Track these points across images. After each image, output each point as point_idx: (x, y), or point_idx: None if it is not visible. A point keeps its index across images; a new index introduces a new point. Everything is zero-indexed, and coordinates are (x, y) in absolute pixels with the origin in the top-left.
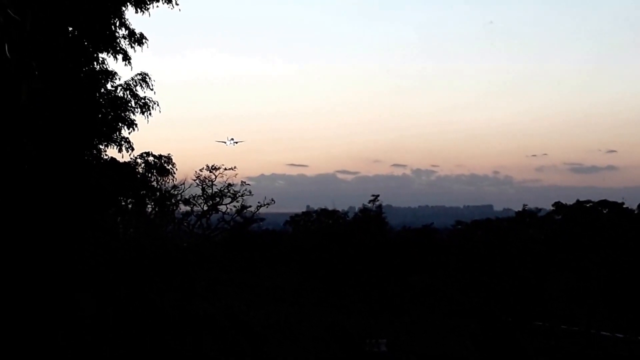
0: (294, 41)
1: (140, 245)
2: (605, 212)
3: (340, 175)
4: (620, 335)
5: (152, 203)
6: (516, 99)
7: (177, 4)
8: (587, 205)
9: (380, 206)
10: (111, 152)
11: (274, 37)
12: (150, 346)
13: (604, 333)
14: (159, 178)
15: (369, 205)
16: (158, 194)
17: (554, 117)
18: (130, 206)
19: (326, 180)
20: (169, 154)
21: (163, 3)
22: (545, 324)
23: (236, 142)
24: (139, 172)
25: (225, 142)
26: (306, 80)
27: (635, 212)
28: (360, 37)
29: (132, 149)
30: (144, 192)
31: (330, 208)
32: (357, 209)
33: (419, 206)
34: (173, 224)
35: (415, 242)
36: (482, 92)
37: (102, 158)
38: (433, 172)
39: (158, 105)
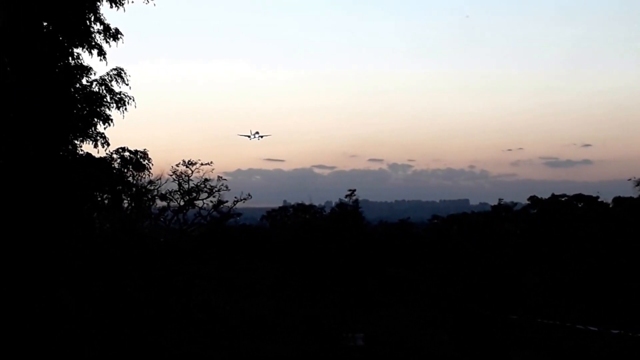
0: (270, 39)
1: (117, 240)
2: (580, 206)
3: (317, 170)
4: (594, 329)
5: (129, 198)
6: (492, 94)
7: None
8: (562, 199)
9: (356, 201)
10: (87, 147)
11: (251, 36)
12: (129, 340)
13: (580, 326)
14: (135, 173)
15: (346, 200)
16: (134, 189)
17: (529, 112)
18: (106, 202)
19: (303, 175)
20: (144, 149)
21: None
22: (522, 317)
23: (262, 136)
24: (114, 168)
25: (249, 137)
26: (283, 77)
27: (610, 206)
28: (337, 35)
29: (108, 145)
30: (120, 187)
31: (306, 203)
32: (333, 204)
33: (396, 201)
34: (150, 220)
35: (392, 236)
36: (458, 87)
37: (78, 153)
38: (409, 166)
39: (133, 100)
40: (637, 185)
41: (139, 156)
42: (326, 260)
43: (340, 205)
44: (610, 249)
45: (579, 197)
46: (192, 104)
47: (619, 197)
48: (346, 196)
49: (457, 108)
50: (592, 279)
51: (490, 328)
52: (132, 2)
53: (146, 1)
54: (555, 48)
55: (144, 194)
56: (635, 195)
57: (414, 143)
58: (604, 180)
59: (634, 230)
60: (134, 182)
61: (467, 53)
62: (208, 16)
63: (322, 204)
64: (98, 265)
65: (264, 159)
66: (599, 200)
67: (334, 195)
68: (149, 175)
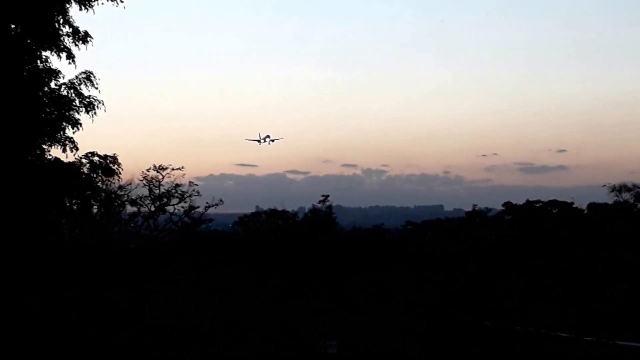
0: (242, 43)
1: (86, 246)
2: (555, 212)
3: (290, 176)
4: (567, 335)
5: (98, 204)
6: (466, 99)
7: (121, 1)
8: (537, 205)
9: (330, 206)
10: (55, 152)
11: (223, 40)
12: (99, 346)
13: (555, 333)
14: (105, 178)
15: (319, 205)
16: (104, 194)
17: (504, 117)
18: (75, 207)
19: (276, 181)
20: (114, 154)
21: (107, 0)
22: (497, 324)
23: (272, 140)
24: (83, 173)
25: (258, 141)
26: (255, 79)
27: (585, 211)
28: (310, 36)
29: (77, 149)
30: (89, 192)
31: (279, 208)
32: (307, 210)
33: (370, 206)
34: (120, 225)
35: (366, 241)
36: (432, 91)
37: (46, 158)
38: (383, 172)
39: (103, 104)
40: (612, 191)
41: (108, 161)
42: (299, 266)
43: (314, 210)
44: (585, 255)
45: (554, 202)
46: (163, 108)
47: (594, 202)
48: (319, 202)
49: (432, 113)
50: (568, 285)
51: (465, 335)
52: (102, 3)
53: (116, 3)
54: (530, 53)
55: (114, 199)
56: (610, 201)
57: (388, 148)
58: (578, 186)
59: (608, 236)
60: (104, 187)
61: (441, 58)
62: (179, 20)
63: (296, 209)
64: (68, 271)
65: (237, 164)
66: (574, 206)
67: (307, 201)
68: (118, 181)
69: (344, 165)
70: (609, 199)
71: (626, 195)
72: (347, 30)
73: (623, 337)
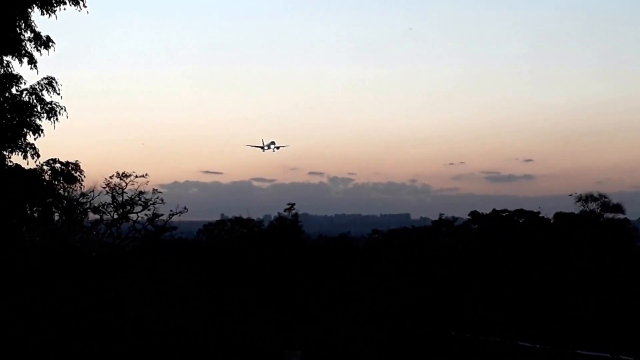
0: (207, 49)
1: (47, 254)
2: (521, 221)
3: (255, 183)
4: (530, 345)
5: (60, 211)
6: (433, 107)
7: (85, 6)
8: (503, 214)
9: (296, 214)
10: (16, 158)
11: (186, 45)
12: (55, 356)
13: (521, 343)
14: (67, 185)
15: (285, 213)
16: (65, 202)
17: (471, 126)
18: (36, 215)
19: (241, 188)
20: (76, 161)
21: (70, 5)
22: (462, 334)
23: (278, 147)
24: (45, 180)
25: (262, 147)
26: (220, 85)
27: (552, 221)
28: (277, 44)
29: (38, 156)
30: (51, 200)
31: (245, 216)
32: (272, 218)
33: (336, 215)
34: (82, 233)
35: (332, 250)
36: (399, 100)
37: (6, 165)
38: (350, 180)
39: (65, 110)
40: (578, 201)
41: (70, 168)
42: (265, 275)
43: (280, 219)
44: (551, 264)
45: (520, 212)
46: (127, 115)
47: (560, 212)
48: (285, 210)
49: (399, 121)
50: (533, 294)
51: (430, 345)
52: (64, 9)
53: (79, 8)
54: (497, 62)
55: (76, 206)
56: (576, 211)
57: (355, 156)
58: (545, 196)
59: (574, 246)
60: (65, 194)
61: (408, 66)
62: (142, 27)
63: (261, 217)
64: (28, 279)
65: (202, 172)
66: (540, 215)
67: (273, 209)
68: (81, 188)
69: (311, 173)
70: (576, 208)
71: (592, 205)
72: (313, 38)
73: (586, 347)
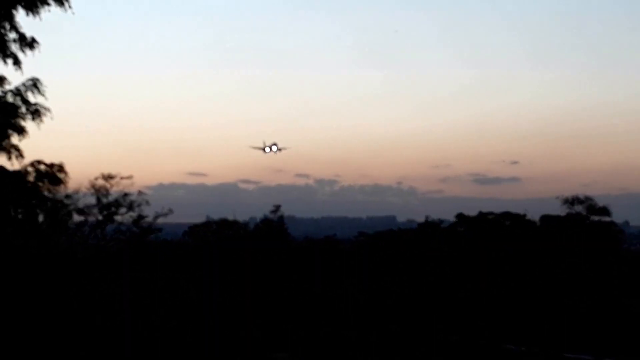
0: (193, 51)
1: (31, 256)
2: (507, 224)
3: (241, 185)
4: (515, 348)
5: (44, 213)
6: (420, 109)
7: (70, 7)
8: (490, 217)
9: (282, 217)
10: (0, 160)
11: (171, 47)
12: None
13: (508, 346)
14: (51, 187)
15: (271, 215)
16: (50, 203)
17: (458, 128)
18: (20, 216)
19: (227, 190)
20: (61, 162)
21: (56, 6)
22: (449, 336)
23: (279, 149)
24: (29, 181)
25: (263, 149)
26: (206, 86)
27: (538, 224)
28: (265, 46)
29: (22, 157)
30: (35, 201)
31: (230, 218)
32: (258, 220)
33: (322, 217)
34: (66, 235)
35: (319, 252)
36: (385, 101)
37: None
38: (336, 182)
39: (50, 111)
40: (565, 203)
41: (55, 169)
42: (250, 277)
43: (265, 221)
44: (537, 268)
45: (507, 214)
46: (112, 116)
47: (547, 215)
48: (271, 212)
49: (385, 123)
50: (520, 297)
51: (417, 347)
52: (49, 10)
53: (64, 9)
54: (483, 64)
55: (60, 208)
56: (562, 214)
57: (341, 159)
58: (531, 198)
59: (561, 249)
60: (50, 196)
61: (395, 68)
62: (127, 28)
63: (247, 219)
64: (12, 281)
65: (187, 173)
66: (527, 218)
67: (258, 211)
68: (65, 189)
69: (297, 175)
70: (562, 211)
71: (579, 208)
72: (301, 40)
73: (573, 350)
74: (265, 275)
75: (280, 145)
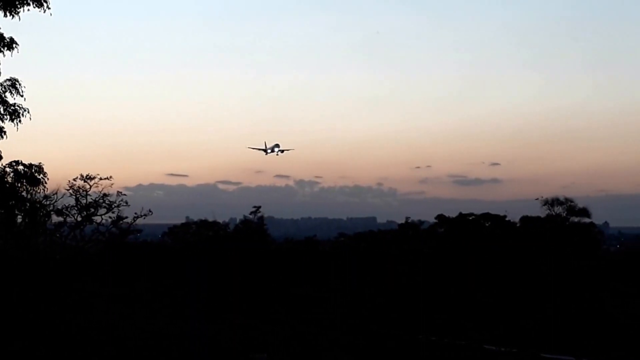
0: (170, 51)
1: (10, 256)
2: (487, 225)
3: (221, 186)
4: (494, 348)
5: (22, 214)
6: (400, 110)
7: (48, 8)
8: (470, 218)
9: (262, 217)
10: None
11: (149, 47)
12: None
13: (487, 346)
14: (30, 188)
15: (251, 216)
16: (28, 204)
17: (438, 129)
18: None
19: (207, 191)
20: (40, 163)
21: (34, 7)
22: (429, 337)
23: (282, 151)
24: (7, 182)
25: (264, 150)
26: (185, 87)
27: (518, 225)
28: (238, 45)
29: (1, 158)
30: (13, 202)
31: (210, 219)
32: (238, 221)
33: (302, 218)
34: (45, 235)
35: (299, 253)
36: (366, 102)
37: None
38: (317, 183)
39: (29, 112)
40: (545, 204)
41: (33, 170)
42: (231, 278)
43: (245, 221)
44: (517, 268)
45: (487, 216)
46: (91, 116)
47: (527, 216)
48: (251, 213)
49: (365, 124)
50: (498, 298)
51: (398, 348)
52: (28, 10)
53: (43, 10)
54: (465, 66)
55: (39, 209)
56: (542, 215)
57: (322, 160)
58: (511, 199)
59: (541, 250)
60: (29, 196)
61: (375, 69)
62: (107, 28)
63: (227, 220)
64: None
65: (167, 174)
66: (507, 219)
67: (238, 212)
68: (44, 190)
69: (277, 176)
70: (542, 212)
71: (558, 209)
72: (277, 41)
73: (550, 350)
74: (249, 276)
75: (282, 147)
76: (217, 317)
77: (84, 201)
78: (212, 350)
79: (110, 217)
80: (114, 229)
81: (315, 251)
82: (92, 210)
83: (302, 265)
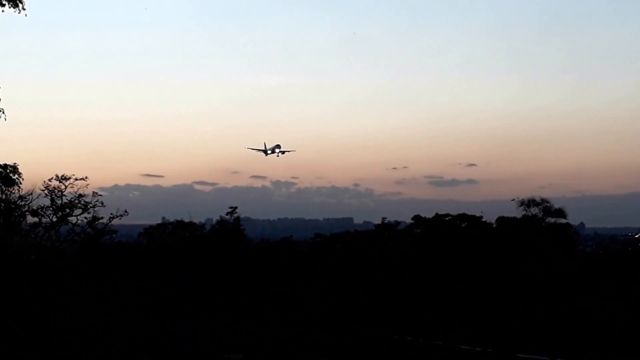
0: (149, 52)
1: None
2: (464, 225)
3: (197, 187)
4: (469, 348)
5: None
6: (377, 111)
7: (24, 9)
8: (446, 218)
9: (238, 218)
10: None
11: (127, 47)
12: None
13: (463, 346)
14: (4, 188)
15: (227, 217)
16: (3, 204)
17: (415, 130)
18: None
19: (183, 192)
20: (15, 163)
21: (9, 7)
22: (404, 337)
23: (282, 152)
24: None
25: (264, 151)
26: (161, 87)
27: (494, 225)
28: (216, 48)
29: None
30: None
31: (186, 220)
32: (214, 221)
33: (278, 218)
34: (20, 236)
35: (275, 253)
36: (343, 104)
37: None
38: (293, 184)
39: (3, 112)
40: (521, 205)
41: (8, 170)
42: (207, 278)
43: (222, 222)
44: (493, 268)
45: (463, 216)
46: (66, 116)
47: (503, 217)
48: (227, 213)
49: (342, 125)
50: (475, 298)
51: (374, 348)
52: (3, 11)
53: (18, 10)
54: (440, 67)
55: (14, 209)
56: (518, 216)
57: (298, 160)
58: (488, 200)
59: (517, 250)
60: (3, 197)
61: (351, 70)
62: (82, 27)
63: (203, 221)
64: None
65: (143, 175)
66: (483, 220)
67: (215, 212)
68: (19, 190)
69: (253, 176)
70: (518, 213)
71: (534, 210)
72: (254, 41)
73: (527, 350)
74: (229, 275)
75: (283, 148)
76: (193, 316)
77: (60, 202)
78: (188, 350)
79: (85, 218)
80: (89, 230)
81: (297, 251)
82: (68, 210)
83: (283, 266)
